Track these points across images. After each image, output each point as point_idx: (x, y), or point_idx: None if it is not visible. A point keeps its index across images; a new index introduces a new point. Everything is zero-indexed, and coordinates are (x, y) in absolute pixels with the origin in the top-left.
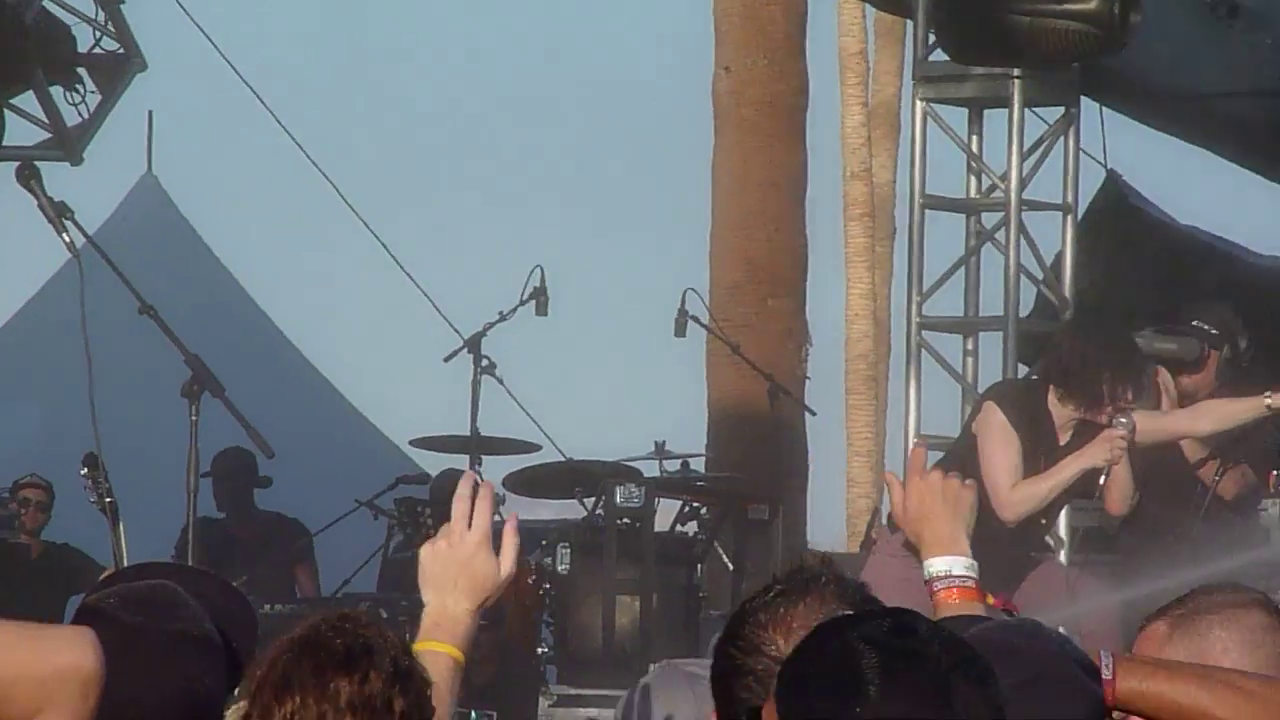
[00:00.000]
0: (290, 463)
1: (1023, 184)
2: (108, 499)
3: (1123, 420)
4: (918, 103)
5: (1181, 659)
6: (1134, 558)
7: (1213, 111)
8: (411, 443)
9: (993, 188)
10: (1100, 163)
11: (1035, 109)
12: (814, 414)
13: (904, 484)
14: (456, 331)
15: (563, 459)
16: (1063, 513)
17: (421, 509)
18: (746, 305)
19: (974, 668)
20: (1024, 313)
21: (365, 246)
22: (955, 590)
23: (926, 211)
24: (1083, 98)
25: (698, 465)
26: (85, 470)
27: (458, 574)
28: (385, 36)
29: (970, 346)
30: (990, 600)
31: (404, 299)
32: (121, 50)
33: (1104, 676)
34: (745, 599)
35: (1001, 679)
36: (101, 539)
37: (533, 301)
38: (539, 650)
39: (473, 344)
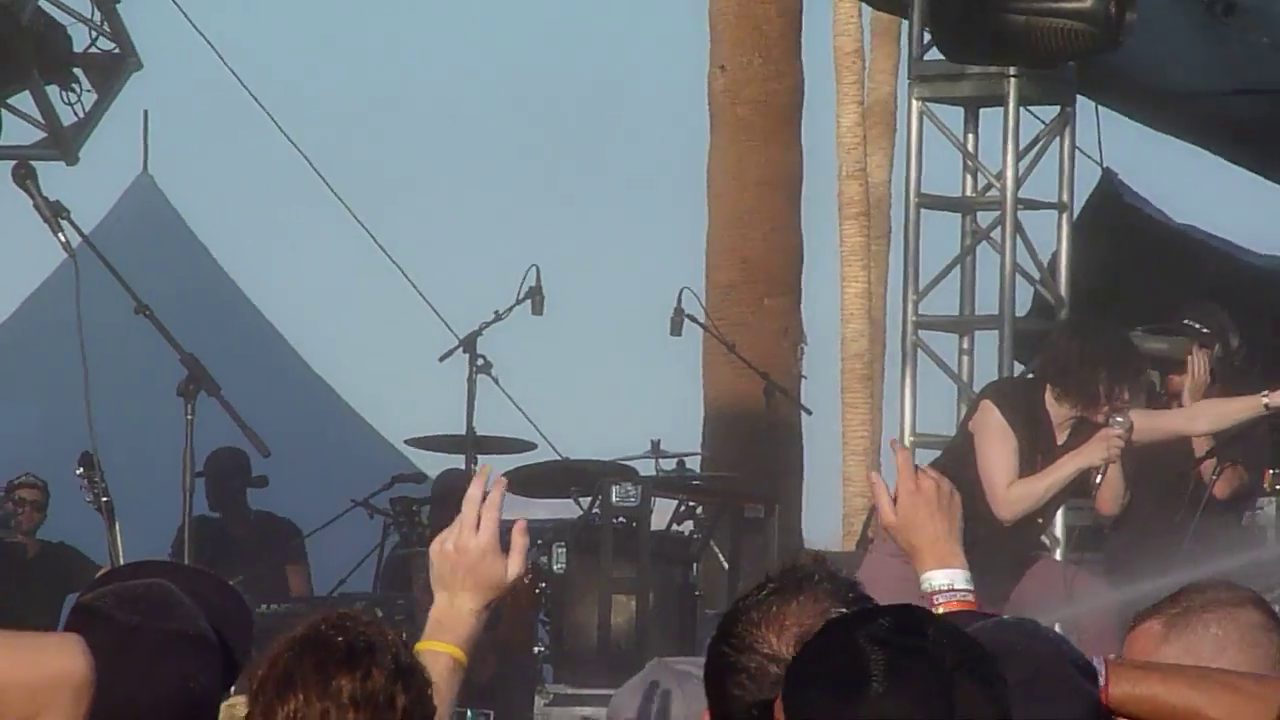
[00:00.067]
0: (286, 462)
1: (1018, 183)
2: (104, 498)
3: (1119, 419)
4: (913, 101)
5: (1178, 657)
6: (1124, 556)
7: (1209, 110)
8: (407, 442)
9: (988, 187)
10: (1096, 161)
11: (1031, 108)
12: (810, 413)
13: (893, 489)
14: (452, 331)
15: (559, 458)
16: (1058, 511)
17: (417, 508)
18: (742, 304)
19: (980, 667)
20: (1021, 312)
21: (361, 246)
22: (957, 604)
23: (922, 210)
24: (1079, 96)
25: (694, 464)
26: (81, 469)
27: (465, 575)
28: (380, 36)
29: (966, 345)
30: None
31: (400, 298)
32: (117, 50)
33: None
34: (738, 597)
35: None
36: (97, 538)
37: (528, 301)
38: (535, 649)
39: (468, 343)
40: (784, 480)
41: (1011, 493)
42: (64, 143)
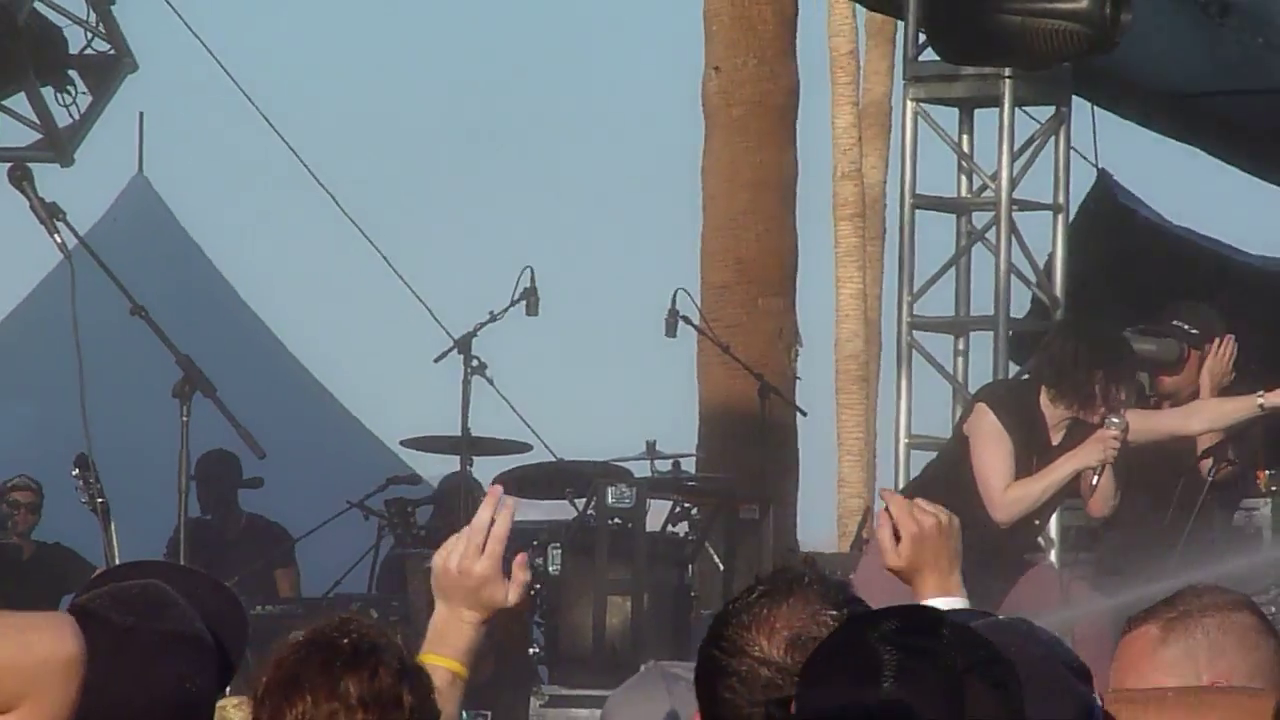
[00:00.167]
0: (281, 463)
1: (1013, 184)
2: (99, 499)
3: (1115, 420)
4: (908, 102)
5: (1176, 661)
6: (1114, 557)
7: (1204, 111)
8: (402, 443)
9: (983, 187)
10: (1091, 162)
11: (1026, 108)
12: (805, 414)
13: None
14: (447, 332)
15: (553, 459)
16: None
17: (412, 509)
18: (737, 305)
19: (992, 669)
20: (1019, 313)
21: (356, 247)
22: None
23: (917, 211)
24: (1074, 97)
25: (689, 465)
26: (76, 471)
27: (465, 598)
28: (375, 37)
29: (961, 346)
30: None
31: (395, 299)
32: (113, 51)
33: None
34: (728, 601)
35: None
36: (93, 539)
37: (523, 302)
38: (530, 650)
39: (463, 344)
40: (779, 481)
41: (1008, 495)
42: (59, 144)
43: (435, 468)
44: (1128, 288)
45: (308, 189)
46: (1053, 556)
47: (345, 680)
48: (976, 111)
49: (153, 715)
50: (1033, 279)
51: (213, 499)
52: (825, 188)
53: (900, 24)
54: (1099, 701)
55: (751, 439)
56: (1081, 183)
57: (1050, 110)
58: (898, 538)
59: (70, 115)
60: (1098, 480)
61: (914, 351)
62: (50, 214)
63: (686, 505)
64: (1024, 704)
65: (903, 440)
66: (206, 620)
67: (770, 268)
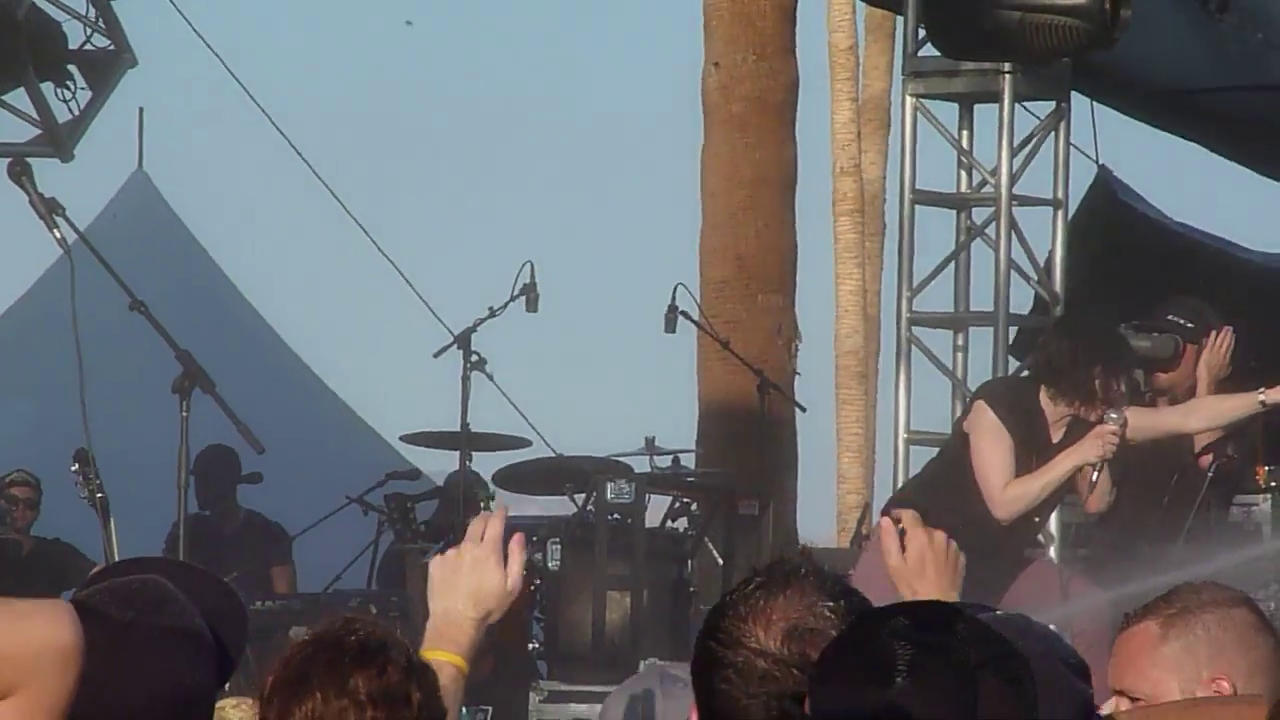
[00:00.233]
0: (280, 459)
1: (1013, 179)
2: (98, 495)
3: (1114, 416)
4: (908, 98)
5: (1176, 657)
6: (1109, 553)
7: (1203, 107)
8: (402, 438)
9: (983, 183)
10: (1091, 158)
11: (1026, 104)
12: (804, 410)
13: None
14: (446, 327)
15: (553, 455)
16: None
17: (411, 505)
18: (736, 301)
19: (1006, 665)
20: (1020, 309)
21: (356, 242)
22: None
23: (916, 207)
24: (1073, 93)
25: (688, 461)
26: (76, 466)
27: (464, 581)
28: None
29: (960, 342)
30: None
31: (394, 295)
32: (112, 47)
33: None
34: (725, 593)
35: None
36: (92, 535)
37: (523, 297)
38: (529, 646)
39: (463, 340)
40: (778, 477)
41: (1008, 493)
42: (59, 140)
43: (435, 463)
44: (1126, 284)
45: (308, 185)
46: (1052, 553)
47: (354, 677)
48: (976, 107)
49: (152, 711)
50: (1032, 275)
51: (211, 494)
52: (825, 183)
53: (900, 19)
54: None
55: (751, 435)
56: (1081, 178)
57: (1050, 106)
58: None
59: (70, 111)
60: (1097, 476)
61: (913, 347)
62: (50, 209)
63: (686, 501)
64: (1038, 699)
65: (902, 436)
66: (206, 616)
67: (770, 264)
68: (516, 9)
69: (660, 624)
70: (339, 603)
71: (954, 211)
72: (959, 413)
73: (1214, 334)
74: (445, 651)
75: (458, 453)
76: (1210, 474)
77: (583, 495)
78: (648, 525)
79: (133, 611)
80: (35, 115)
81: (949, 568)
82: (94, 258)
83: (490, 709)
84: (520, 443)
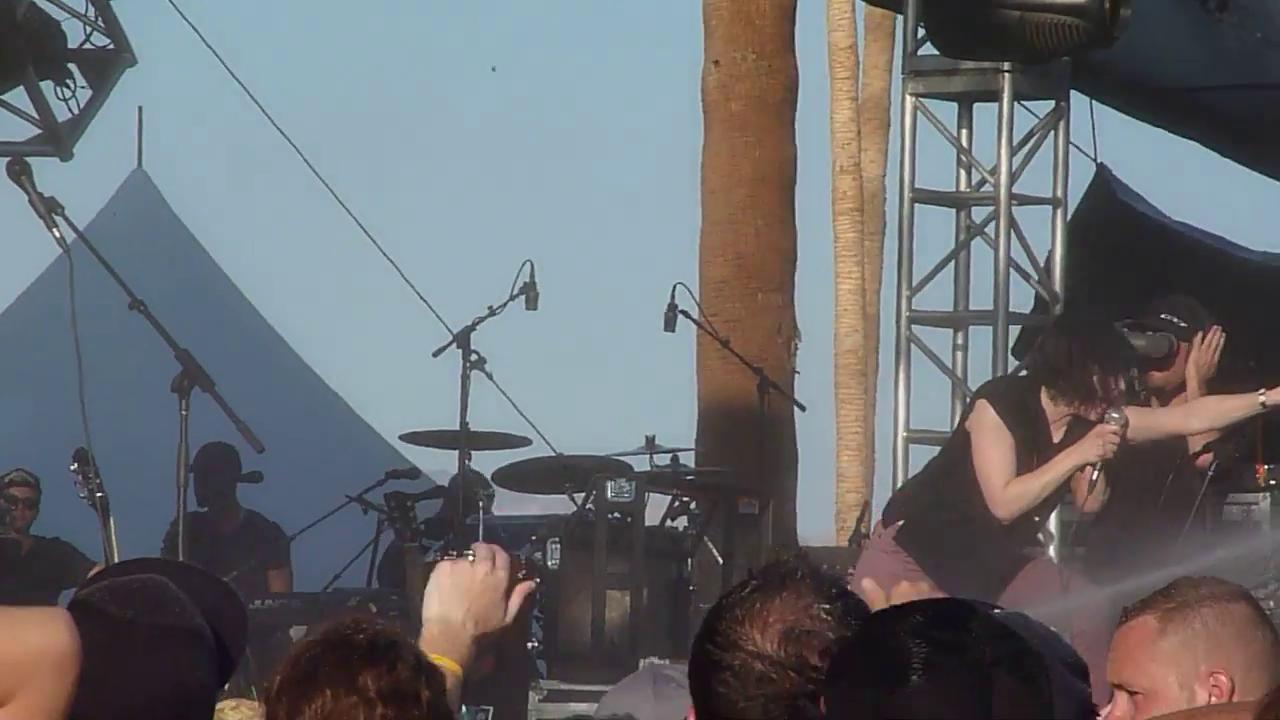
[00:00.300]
0: (280, 457)
1: (1012, 178)
2: (98, 494)
3: (1115, 415)
4: (907, 97)
5: (1174, 651)
6: (1104, 551)
7: (1203, 105)
8: (401, 437)
9: (982, 182)
10: (1090, 157)
11: (1025, 103)
12: (803, 408)
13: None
14: (446, 326)
15: (553, 454)
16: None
17: (411, 504)
18: (736, 300)
19: (1021, 663)
20: (1020, 308)
21: (355, 241)
22: None
23: (916, 206)
24: (1073, 91)
25: (688, 460)
26: (75, 465)
27: (473, 599)
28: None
29: (960, 341)
30: None
31: (394, 294)
32: (112, 46)
33: None
34: (721, 595)
35: None
36: (91, 534)
37: (522, 296)
38: (529, 645)
39: (462, 339)
40: (777, 476)
41: (1009, 492)
42: (58, 138)
43: (434, 462)
44: (1125, 283)
45: (307, 184)
46: (1051, 551)
47: (363, 675)
48: (976, 106)
49: (153, 710)
50: (1032, 274)
51: (211, 491)
52: (824, 182)
53: (899, 18)
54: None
55: (750, 434)
56: (1080, 177)
57: (1049, 105)
58: None
59: (69, 110)
60: (1097, 475)
61: (913, 346)
62: (49, 208)
63: (685, 500)
64: (1053, 697)
65: (901, 435)
66: (207, 616)
67: (769, 262)
68: (517, 8)
69: (660, 623)
70: (339, 602)
71: (953, 210)
72: (958, 412)
73: (1202, 334)
74: (443, 657)
75: (457, 452)
76: (1211, 472)
77: (582, 494)
78: (647, 524)
79: (133, 610)
80: (35, 114)
81: None
82: (93, 257)
83: (491, 709)
84: (520, 442)
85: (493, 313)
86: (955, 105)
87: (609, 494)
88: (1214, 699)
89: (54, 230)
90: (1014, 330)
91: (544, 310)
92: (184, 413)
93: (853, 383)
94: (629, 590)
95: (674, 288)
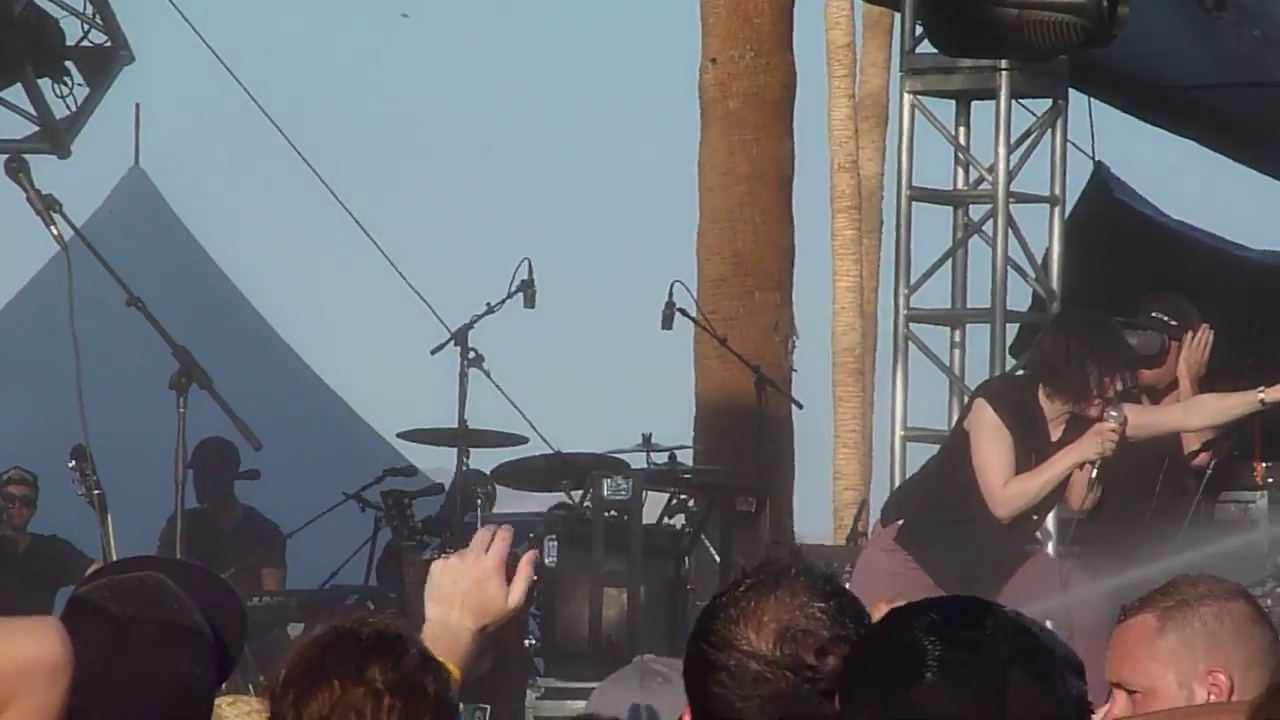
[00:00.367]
0: (277, 455)
1: (1010, 176)
2: (96, 491)
3: (1113, 413)
4: (905, 95)
5: (1173, 650)
6: (1098, 550)
7: (1201, 104)
8: (399, 435)
9: (980, 180)
10: (1088, 155)
11: (1023, 101)
12: (801, 406)
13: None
14: (444, 324)
15: (550, 451)
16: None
17: (409, 501)
18: (733, 298)
19: (1037, 662)
20: (1018, 306)
21: (353, 239)
22: None
23: (913, 204)
24: (1071, 90)
25: (685, 458)
26: (73, 463)
27: (466, 592)
28: (372, 32)
29: (958, 339)
30: None
31: (391, 292)
32: (109, 43)
33: None
34: (715, 595)
35: None
36: (89, 531)
37: (520, 294)
38: (526, 643)
39: (460, 336)
40: (775, 474)
41: (1008, 491)
42: (56, 136)
43: (432, 460)
44: (1123, 281)
45: (304, 181)
46: (1049, 549)
47: (371, 667)
48: (973, 104)
49: (152, 707)
50: (1030, 272)
51: (208, 487)
52: (822, 180)
53: (897, 16)
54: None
55: (748, 431)
56: (1078, 175)
57: (1047, 103)
58: None
59: (67, 107)
60: (1096, 473)
61: (910, 344)
62: (47, 206)
63: (683, 497)
64: (1068, 694)
65: (899, 433)
66: (206, 613)
67: (767, 260)
68: (515, 7)
69: (657, 620)
70: (336, 599)
71: (951, 208)
72: (956, 410)
73: (1193, 332)
74: (444, 660)
75: (455, 449)
76: (1209, 471)
77: (580, 492)
78: (645, 522)
79: (133, 608)
80: (32, 111)
81: None
82: (91, 254)
83: (489, 707)
84: (517, 439)
85: (491, 310)
86: (953, 103)
87: (606, 492)
88: (1213, 697)
89: (52, 227)
90: (1012, 329)
91: (542, 308)
92: (182, 410)
93: (850, 381)
94: (626, 588)
95: (671, 285)
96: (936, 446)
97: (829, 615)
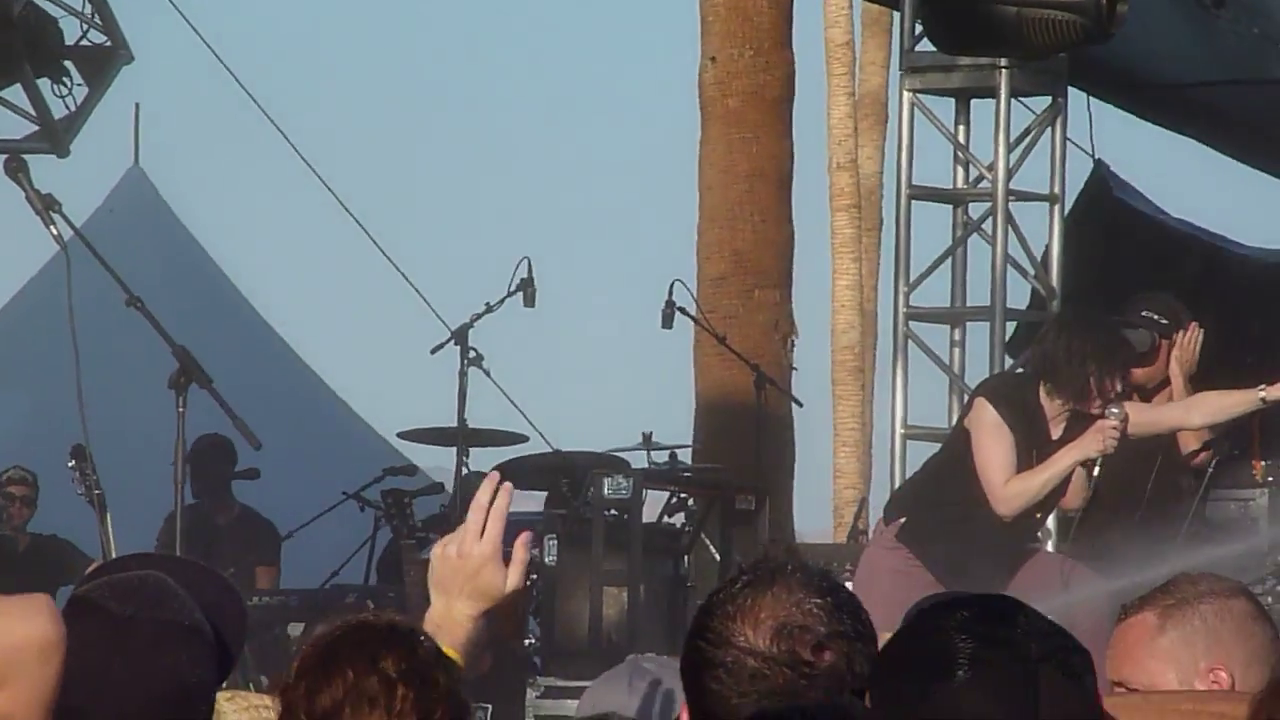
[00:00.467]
0: (277, 454)
1: (1010, 174)
2: (95, 491)
3: (1114, 410)
4: (904, 93)
5: (1173, 648)
6: (1089, 548)
7: (1200, 101)
8: (399, 435)
9: (980, 178)
10: (1087, 153)
11: (1022, 99)
12: (801, 405)
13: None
14: (444, 323)
15: (550, 450)
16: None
17: (408, 500)
18: (733, 296)
19: (1068, 660)
20: (1017, 304)
21: (353, 238)
22: None
23: (913, 202)
24: (1070, 88)
25: (685, 456)
26: (73, 462)
27: (464, 583)
28: (371, 29)
29: (957, 337)
30: None
31: (391, 291)
32: (108, 43)
33: None
34: (711, 592)
35: None
36: (88, 530)
37: (520, 293)
38: (526, 642)
39: (460, 336)
40: (775, 472)
41: (1009, 489)
42: (55, 135)
43: (432, 459)
44: (1122, 279)
45: (304, 180)
46: (1049, 547)
47: (385, 657)
48: (973, 102)
49: (152, 705)
50: (1029, 270)
51: (205, 483)
52: (821, 179)
53: (896, 14)
54: None
55: (748, 430)
56: (1078, 173)
57: (1046, 101)
58: None
59: (66, 106)
60: (1098, 471)
61: (910, 342)
62: (46, 205)
63: (683, 496)
64: (1099, 693)
65: (898, 431)
66: (206, 611)
67: (766, 259)
68: (514, 6)
69: (657, 619)
70: (336, 598)
71: (951, 206)
72: (956, 408)
73: (1183, 331)
74: (445, 646)
75: (455, 449)
76: (1210, 470)
77: (579, 490)
78: (644, 520)
79: (133, 607)
80: (31, 111)
81: None
82: (90, 254)
83: (490, 707)
84: (517, 438)
85: (490, 309)
86: (952, 101)
87: (606, 490)
88: None
89: (51, 227)
90: (1011, 327)
91: (542, 307)
92: (181, 409)
93: (850, 379)
94: (626, 587)
95: (671, 284)
96: (937, 445)
97: (825, 611)
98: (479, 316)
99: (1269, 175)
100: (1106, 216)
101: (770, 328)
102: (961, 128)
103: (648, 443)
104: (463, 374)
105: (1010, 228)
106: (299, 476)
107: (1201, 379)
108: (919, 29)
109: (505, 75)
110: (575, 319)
